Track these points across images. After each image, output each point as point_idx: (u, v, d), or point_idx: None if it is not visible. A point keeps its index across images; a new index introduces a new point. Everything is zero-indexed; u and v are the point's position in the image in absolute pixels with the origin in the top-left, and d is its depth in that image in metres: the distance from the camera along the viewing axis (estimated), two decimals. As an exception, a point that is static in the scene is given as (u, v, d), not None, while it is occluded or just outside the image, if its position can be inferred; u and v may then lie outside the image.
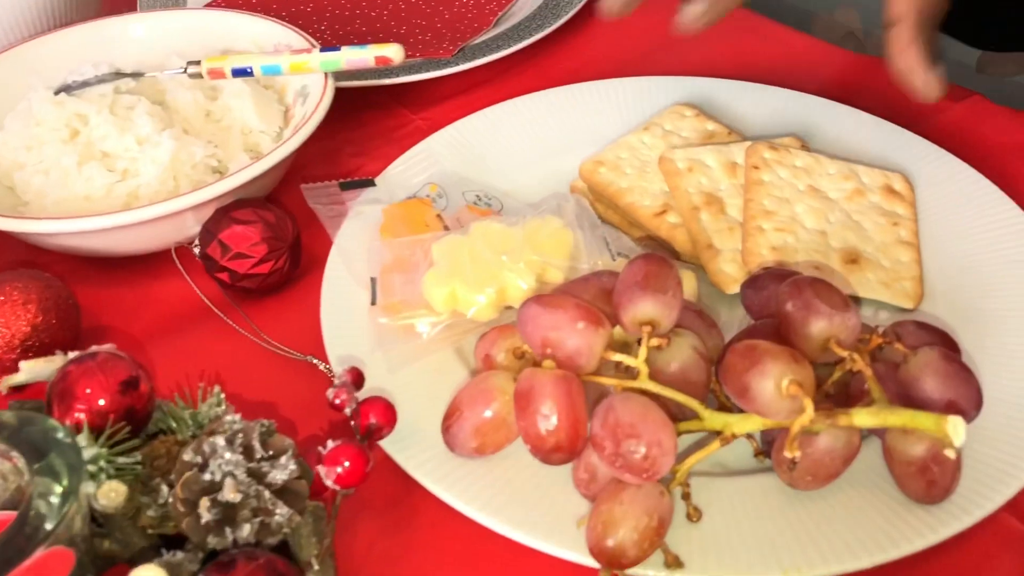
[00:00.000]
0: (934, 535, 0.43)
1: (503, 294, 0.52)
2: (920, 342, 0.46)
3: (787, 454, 0.40)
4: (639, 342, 0.45)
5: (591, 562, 0.42)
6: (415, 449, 0.48)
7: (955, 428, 0.39)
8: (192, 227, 0.60)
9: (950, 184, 0.62)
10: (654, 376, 0.44)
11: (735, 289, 0.55)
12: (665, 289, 0.45)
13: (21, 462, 0.40)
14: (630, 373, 0.45)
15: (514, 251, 0.53)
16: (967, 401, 0.43)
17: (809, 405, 0.40)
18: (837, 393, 0.46)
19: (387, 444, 0.48)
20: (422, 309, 0.52)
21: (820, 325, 0.43)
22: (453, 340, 0.53)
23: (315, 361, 0.55)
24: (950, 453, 0.39)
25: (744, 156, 0.62)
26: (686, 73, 0.75)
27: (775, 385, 0.40)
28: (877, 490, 0.45)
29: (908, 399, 0.44)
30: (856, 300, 0.54)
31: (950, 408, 0.43)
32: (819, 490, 0.45)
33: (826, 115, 0.69)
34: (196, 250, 0.60)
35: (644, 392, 0.44)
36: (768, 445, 0.46)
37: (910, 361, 0.44)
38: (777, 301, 0.46)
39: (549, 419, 0.43)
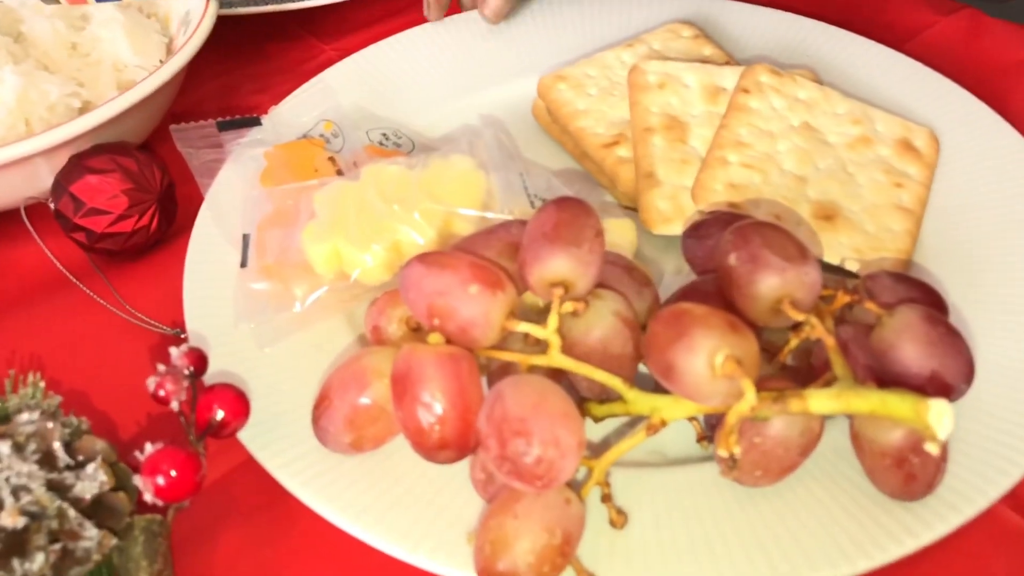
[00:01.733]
0: (914, 540, 0.35)
1: (397, 251, 0.43)
2: (897, 299, 0.37)
3: (721, 451, 0.31)
4: (549, 308, 0.36)
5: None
6: (283, 444, 0.39)
7: (939, 414, 0.30)
8: (46, 179, 0.51)
9: (982, 149, 0.51)
10: (568, 350, 0.36)
11: (663, 230, 0.47)
12: (580, 241, 0.36)
13: None
14: (539, 346, 0.36)
15: (410, 198, 0.43)
16: (955, 374, 0.34)
17: (749, 388, 0.31)
18: (798, 364, 0.38)
19: (249, 439, 0.39)
20: (300, 270, 0.43)
21: (770, 282, 0.34)
22: (338, 308, 0.44)
23: (180, 334, 0.47)
24: (932, 448, 0.31)
25: (735, 80, 0.52)
26: None
27: (707, 362, 0.31)
28: (845, 482, 0.36)
29: (882, 372, 0.35)
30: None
31: (933, 382, 0.34)
32: (773, 486, 0.36)
33: (853, 53, 0.58)
34: (52, 206, 0.50)
35: (554, 370, 0.36)
36: (712, 429, 0.38)
37: (885, 324, 0.35)
38: (718, 251, 0.37)
39: (432, 408, 0.34)
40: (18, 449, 0.32)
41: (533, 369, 0.36)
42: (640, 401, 0.35)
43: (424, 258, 0.36)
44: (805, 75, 0.53)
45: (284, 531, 0.39)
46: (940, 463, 0.34)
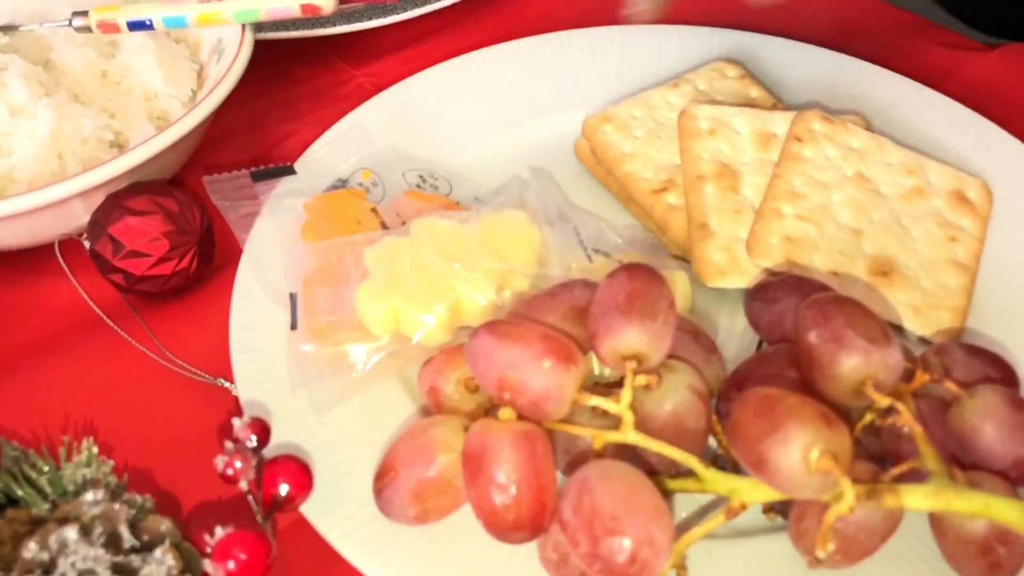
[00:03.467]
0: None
1: (457, 311, 0.42)
2: (973, 376, 0.37)
3: (820, 553, 0.31)
4: (621, 380, 0.35)
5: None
6: (341, 512, 0.38)
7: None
8: (81, 216, 0.50)
9: None
10: (641, 425, 0.35)
11: (718, 283, 0.46)
12: (655, 314, 0.35)
13: None
14: (607, 419, 0.36)
15: (468, 256, 0.42)
16: None
17: (848, 487, 0.30)
18: (866, 439, 0.37)
19: (309, 508, 0.38)
20: (356, 332, 0.42)
21: (854, 363, 0.34)
22: (396, 370, 0.43)
23: (227, 385, 0.45)
24: None
25: (787, 126, 0.51)
26: (720, 24, 0.62)
27: (802, 457, 0.30)
28: (921, 564, 0.36)
29: (962, 453, 0.34)
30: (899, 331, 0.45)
31: (1017, 468, 0.33)
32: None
33: (902, 97, 0.57)
34: (87, 244, 0.49)
35: (629, 448, 0.35)
36: (782, 503, 0.37)
37: (966, 405, 0.35)
38: (796, 326, 0.36)
39: (507, 490, 0.33)
40: (85, 532, 0.31)
41: (607, 446, 0.35)
42: (718, 482, 0.34)
43: (493, 328, 0.35)
44: (857, 122, 0.53)
45: (341, 599, 0.38)
46: (1004, 562, 0.33)
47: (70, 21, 0.54)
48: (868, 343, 0.34)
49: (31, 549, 0.31)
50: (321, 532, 0.38)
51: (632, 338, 0.35)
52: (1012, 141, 0.54)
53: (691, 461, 0.34)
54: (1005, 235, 0.49)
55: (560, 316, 0.38)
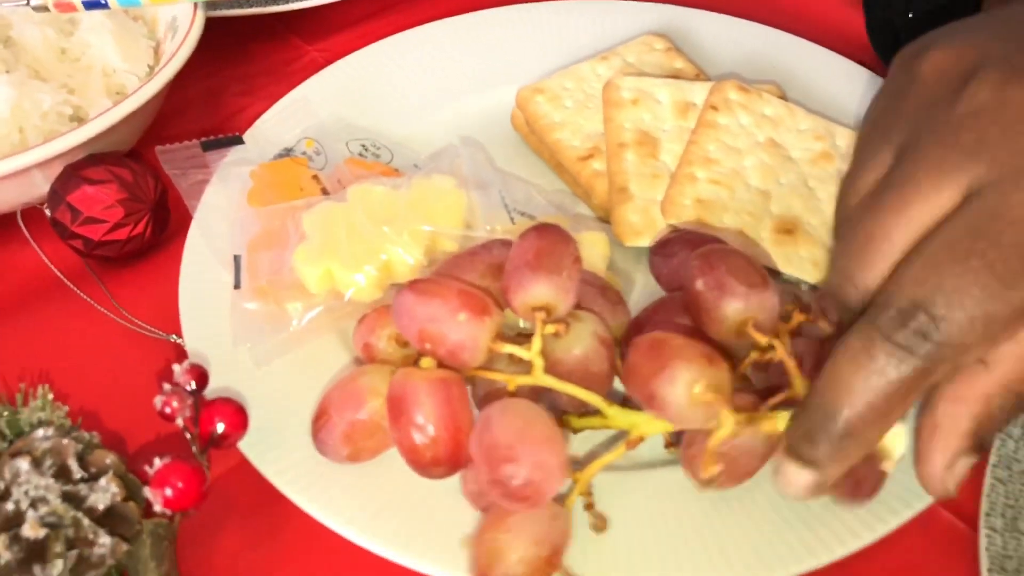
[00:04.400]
0: (857, 540, 0.38)
1: (387, 271, 0.45)
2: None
3: (704, 475, 0.35)
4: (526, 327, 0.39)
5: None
6: (279, 451, 0.42)
7: (895, 437, 0.33)
8: (41, 186, 0.53)
9: None
10: (551, 369, 0.38)
11: (634, 242, 0.49)
12: (559, 268, 0.38)
13: None
14: (522, 365, 0.39)
15: (398, 219, 0.46)
16: None
17: (727, 416, 0.34)
18: (756, 375, 0.41)
19: (248, 447, 0.42)
20: (294, 291, 0.45)
21: (735, 307, 0.37)
22: (331, 326, 0.46)
23: (178, 340, 0.49)
24: (888, 466, 0.34)
25: (704, 96, 0.54)
26: None
27: (686, 391, 0.34)
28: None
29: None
30: (775, 275, 0.48)
31: None
32: (735, 488, 0.39)
33: (819, 66, 0.61)
34: (48, 212, 0.52)
35: (539, 389, 0.39)
36: (677, 436, 0.41)
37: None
38: (685, 275, 0.40)
39: (425, 430, 0.37)
40: (36, 464, 0.35)
41: (519, 388, 0.38)
42: (619, 417, 0.38)
43: (415, 286, 0.39)
44: (772, 91, 0.56)
45: (279, 532, 0.42)
46: (883, 472, 0.37)
47: (28, 1, 0.57)
48: (748, 288, 0.37)
49: (-13, 479, 0.34)
50: (260, 470, 0.41)
51: (540, 291, 0.38)
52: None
53: (596, 399, 0.38)
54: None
55: (479, 273, 0.42)
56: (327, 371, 0.45)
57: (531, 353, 0.38)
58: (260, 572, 0.41)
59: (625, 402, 0.41)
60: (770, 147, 0.53)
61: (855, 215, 0.40)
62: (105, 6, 0.57)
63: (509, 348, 0.38)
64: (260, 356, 0.45)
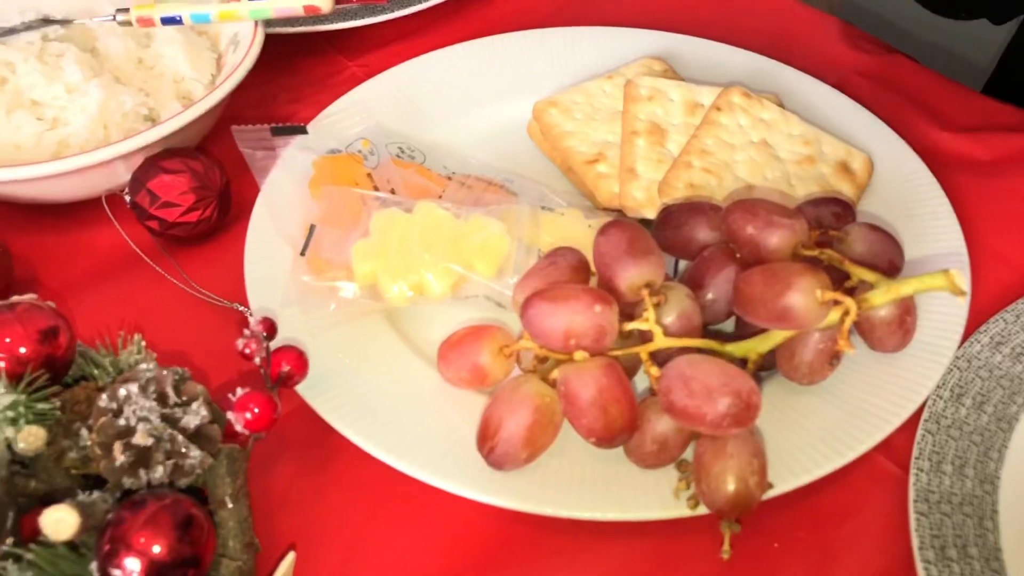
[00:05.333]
0: (808, 475, 0.46)
1: (418, 289, 0.53)
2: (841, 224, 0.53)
3: (847, 350, 0.45)
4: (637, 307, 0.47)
5: (496, 502, 0.45)
6: (331, 394, 0.50)
7: (960, 277, 0.43)
8: (123, 175, 0.61)
9: (902, 188, 0.62)
10: (666, 332, 0.46)
11: (639, 214, 0.58)
12: (652, 249, 0.47)
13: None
14: (633, 337, 0.47)
15: (442, 247, 0.53)
16: (899, 258, 0.52)
17: (851, 303, 0.44)
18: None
19: (303, 390, 0.50)
20: (345, 272, 0.53)
21: (784, 235, 0.47)
22: (368, 313, 0.54)
23: (241, 308, 0.57)
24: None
25: (711, 98, 0.63)
26: (653, 27, 0.75)
27: (812, 298, 0.43)
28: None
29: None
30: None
31: (892, 267, 0.51)
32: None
33: (803, 90, 0.69)
34: (127, 198, 0.61)
35: (673, 349, 0.46)
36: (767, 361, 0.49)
37: (850, 233, 0.51)
38: (731, 226, 0.49)
39: (612, 407, 0.44)
40: (142, 390, 0.43)
41: (653, 354, 0.45)
42: (737, 349, 0.47)
43: (544, 295, 0.45)
44: (772, 99, 0.65)
45: (329, 463, 0.50)
46: (911, 326, 0.49)
47: (114, 16, 0.66)
48: (790, 219, 0.47)
49: (104, 399, 0.43)
50: (314, 407, 0.49)
51: (644, 270, 0.46)
52: (883, 126, 0.66)
53: (712, 344, 0.46)
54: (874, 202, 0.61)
55: (572, 277, 0.49)
56: (367, 332, 0.53)
57: (650, 323, 0.46)
58: (313, 493, 0.49)
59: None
60: (762, 147, 0.61)
61: None
62: (179, 22, 0.66)
63: (633, 325, 0.46)
64: (312, 324, 0.53)
